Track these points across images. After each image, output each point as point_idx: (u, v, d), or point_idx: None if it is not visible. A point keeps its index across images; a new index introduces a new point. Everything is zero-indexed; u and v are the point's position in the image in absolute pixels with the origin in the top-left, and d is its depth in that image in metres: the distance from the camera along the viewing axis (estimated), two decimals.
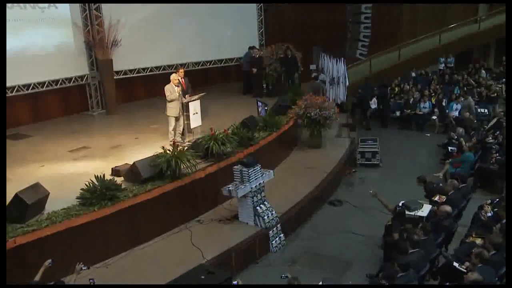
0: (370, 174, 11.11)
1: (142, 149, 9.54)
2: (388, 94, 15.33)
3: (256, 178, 7.68)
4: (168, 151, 7.66)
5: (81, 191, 6.91)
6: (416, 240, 6.00)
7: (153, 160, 7.62)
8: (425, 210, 7.39)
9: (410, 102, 14.48)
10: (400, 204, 7.40)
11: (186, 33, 14.49)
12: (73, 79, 12.48)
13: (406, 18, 22.43)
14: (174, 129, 9.70)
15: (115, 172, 8.02)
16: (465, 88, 16.53)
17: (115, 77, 13.07)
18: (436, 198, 8.07)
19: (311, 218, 8.89)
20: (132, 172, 7.59)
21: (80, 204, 6.76)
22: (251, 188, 7.58)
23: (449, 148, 10.69)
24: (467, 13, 23.38)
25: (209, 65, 15.38)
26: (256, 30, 16.10)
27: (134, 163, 7.58)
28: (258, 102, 11.68)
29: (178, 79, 9.87)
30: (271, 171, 8.04)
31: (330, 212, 9.22)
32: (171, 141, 9.37)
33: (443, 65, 21.18)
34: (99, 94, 13.18)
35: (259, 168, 7.73)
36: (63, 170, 8.48)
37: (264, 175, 7.86)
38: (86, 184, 6.93)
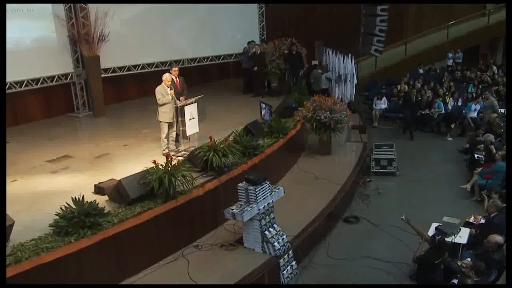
0: (386, 184, 9.98)
1: (131, 159, 8.42)
2: (411, 97, 13.89)
3: (265, 198, 6.53)
4: (160, 166, 6.48)
5: (55, 216, 5.73)
6: (469, 284, 4.88)
7: (143, 177, 6.45)
8: (463, 235, 6.30)
9: (424, 101, 13.31)
10: (434, 229, 6.30)
11: (181, 27, 13.30)
12: (56, 77, 11.30)
13: (412, 12, 21.33)
14: (167, 137, 8.55)
15: (99, 189, 6.86)
16: (480, 86, 15.45)
17: (102, 75, 11.93)
18: (471, 219, 7.01)
19: (325, 239, 7.76)
20: (117, 192, 6.41)
21: (54, 234, 5.59)
22: (259, 209, 6.43)
23: (476, 155, 9.56)
24: (475, 6, 22.29)
25: (206, 61, 14.20)
26: (256, 24, 14.95)
27: (120, 181, 6.40)
28: (262, 104, 10.51)
29: (172, 79, 8.72)
30: (281, 188, 6.88)
31: (346, 231, 8.09)
32: (164, 152, 8.27)
33: (451, 60, 20.20)
34: (85, 94, 12.01)
35: (267, 186, 6.58)
36: (38, 186, 7.29)
37: (273, 193, 6.72)
38: (61, 208, 5.76)
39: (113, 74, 12.28)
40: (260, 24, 15.00)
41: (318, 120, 10.05)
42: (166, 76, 8.40)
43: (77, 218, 5.58)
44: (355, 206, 8.99)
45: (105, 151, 9.01)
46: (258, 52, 13.30)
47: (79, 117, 11.75)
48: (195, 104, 8.44)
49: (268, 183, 6.63)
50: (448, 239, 6.15)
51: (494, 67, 18.55)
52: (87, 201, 5.90)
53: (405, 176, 10.34)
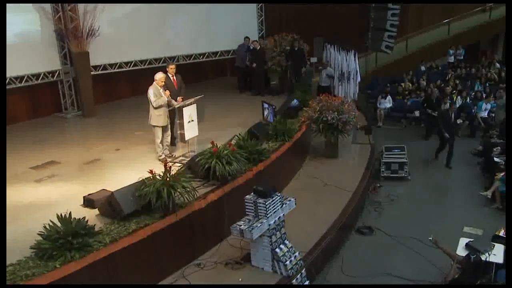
0: (397, 189, 9.34)
1: (124, 165, 7.70)
2: (434, 98, 12.81)
3: (275, 211, 5.83)
4: (158, 177, 5.75)
5: (38, 235, 4.99)
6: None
7: (138, 189, 5.71)
8: (498, 252, 5.64)
9: (433, 100, 12.65)
10: (464, 245, 5.64)
11: (177, 22, 12.53)
12: (42, 75, 10.53)
13: (413, 8, 20.69)
14: (162, 141, 7.82)
15: (88, 202, 6.12)
16: (487, 84, 14.85)
17: (92, 73, 11.18)
18: (501, 233, 6.38)
19: (338, 253, 7.08)
20: (110, 206, 5.67)
21: (36, 257, 4.84)
22: (269, 225, 5.73)
23: (495, 159, 8.93)
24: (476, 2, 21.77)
25: (202, 58, 13.42)
26: (255, 18, 14.21)
27: (113, 193, 5.66)
28: (264, 104, 9.79)
29: (168, 77, 7.98)
30: (292, 199, 6.18)
31: (360, 244, 7.42)
32: (160, 158, 7.55)
33: (452, 57, 19.63)
34: (73, 93, 11.22)
35: (278, 198, 5.88)
36: (20, 198, 6.51)
37: (284, 205, 6.01)
38: (45, 227, 5.01)
39: (103, 72, 11.50)
40: (259, 19, 14.26)
41: (325, 121, 9.37)
42: (159, 76, 7.66)
43: (63, 239, 4.84)
44: (367, 214, 8.33)
45: (95, 156, 8.26)
46: (258, 48, 12.58)
47: (67, 118, 10.97)
48: (194, 105, 7.69)
49: (279, 195, 5.92)
50: (482, 258, 5.49)
51: (497, 64, 17.97)
52: (74, 218, 5.16)
53: (416, 180, 9.70)
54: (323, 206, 7.73)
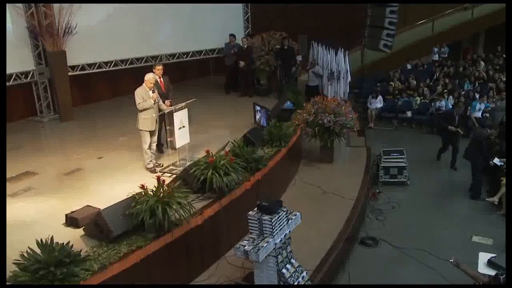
0: (397, 195, 8.91)
1: (109, 176, 7.07)
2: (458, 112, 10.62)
3: (281, 228, 5.29)
4: (150, 193, 5.14)
5: (14, 264, 4.31)
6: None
7: (129, 207, 5.09)
8: None
9: (427, 100, 12.31)
10: (486, 262, 5.22)
11: (159, 19, 11.84)
12: (14, 76, 9.75)
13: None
14: (150, 147, 7.21)
15: (71, 221, 5.46)
16: (477, 83, 14.63)
17: (69, 73, 10.42)
18: None
19: (344, 268, 6.59)
20: (97, 226, 5.03)
21: None
22: (275, 244, 5.19)
23: (498, 162, 8.57)
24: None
25: (186, 57, 12.76)
26: (241, 16, 13.61)
27: (100, 212, 5.03)
28: (256, 106, 9.24)
29: (156, 80, 7.36)
30: (297, 213, 5.64)
31: (365, 257, 6.94)
32: (148, 166, 6.95)
33: (437, 55, 19.47)
34: (49, 95, 10.44)
35: (284, 213, 5.34)
36: None
37: (289, 221, 5.47)
38: (22, 255, 4.34)
39: (81, 72, 10.74)
40: (244, 16, 13.68)
41: (321, 124, 8.89)
42: (149, 77, 7.05)
43: (45, 269, 4.19)
44: (369, 224, 7.86)
45: (76, 165, 7.57)
46: (245, 46, 12.01)
47: (43, 122, 10.19)
48: (186, 110, 7.07)
49: (284, 209, 5.38)
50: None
51: (482, 63, 17.84)
52: (57, 243, 4.49)
53: (416, 185, 9.30)
54: (325, 216, 7.23)
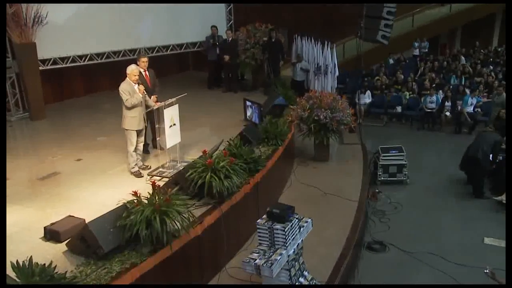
0: (397, 195, 8.46)
1: (90, 180, 6.36)
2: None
3: (294, 237, 4.71)
4: (145, 201, 4.47)
5: None
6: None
7: (120, 217, 4.40)
8: None
9: (416, 95, 11.99)
10: None
11: (137, 10, 11.04)
12: None
13: None
14: (135, 149, 6.50)
15: (52, 234, 4.72)
16: (463, 78, 14.43)
17: (40, 68, 9.54)
18: None
19: (353, 276, 6.07)
20: (83, 241, 4.32)
21: None
22: (288, 256, 4.60)
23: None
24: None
25: (166, 51, 12.00)
26: (223, 7, 12.91)
27: (87, 225, 4.32)
28: (247, 102, 8.62)
29: (140, 73, 6.64)
30: (308, 220, 5.07)
31: (374, 263, 6.43)
32: (132, 170, 6.27)
33: (417, 50, 19.34)
34: (18, 91, 9.53)
35: (296, 221, 4.75)
36: None
37: (301, 229, 4.90)
38: None
39: (53, 67, 9.85)
40: (227, 8, 13.01)
41: (317, 120, 8.35)
42: (131, 69, 6.33)
43: None
44: (373, 227, 7.37)
45: (51, 168, 6.80)
46: (230, 39, 11.37)
47: (11, 121, 9.29)
48: (176, 106, 6.40)
49: (296, 216, 4.80)
50: None
51: (463, 58, 17.75)
52: (36, 263, 3.78)
53: (416, 184, 8.88)
54: (327, 220, 6.66)
